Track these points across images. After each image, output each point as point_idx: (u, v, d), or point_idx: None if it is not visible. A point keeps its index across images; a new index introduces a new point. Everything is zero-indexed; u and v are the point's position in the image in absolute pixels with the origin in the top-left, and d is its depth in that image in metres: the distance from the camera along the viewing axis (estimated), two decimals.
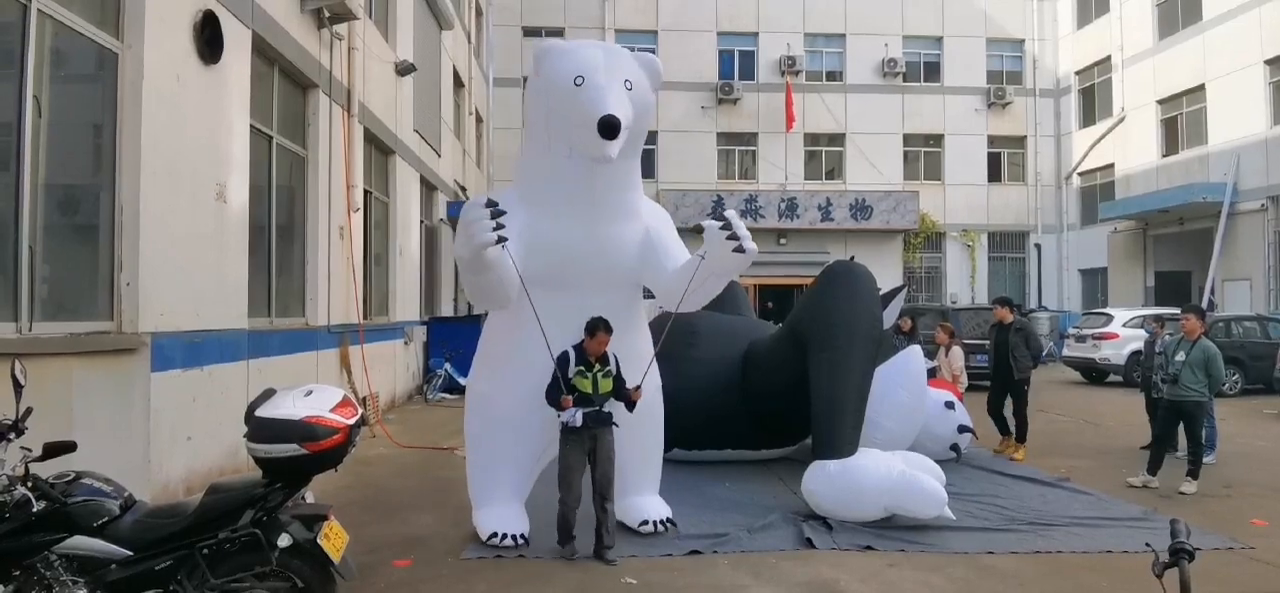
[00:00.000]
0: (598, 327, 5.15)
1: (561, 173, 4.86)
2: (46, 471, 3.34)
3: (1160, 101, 22.76)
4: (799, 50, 25.87)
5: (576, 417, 5.16)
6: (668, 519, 5.88)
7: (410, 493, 7.08)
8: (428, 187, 15.71)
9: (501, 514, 5.56)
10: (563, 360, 5.15)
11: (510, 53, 25.23)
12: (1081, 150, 25.96)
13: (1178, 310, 14.40)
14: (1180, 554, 2.16)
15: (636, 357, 5.50)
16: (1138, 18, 23.48)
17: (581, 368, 5.17)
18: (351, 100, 10.43)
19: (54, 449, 3.32)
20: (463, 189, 19.33)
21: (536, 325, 5.05)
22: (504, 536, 5.43)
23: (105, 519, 3.32)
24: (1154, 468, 7.55)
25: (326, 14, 9.39)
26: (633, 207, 5.52)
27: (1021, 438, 8.98)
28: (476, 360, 6.14)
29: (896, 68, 25.97)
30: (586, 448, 5.29)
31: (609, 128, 4.71)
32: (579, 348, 5.21)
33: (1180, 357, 7.56)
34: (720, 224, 4.94)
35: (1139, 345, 12.66)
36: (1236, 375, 14.89)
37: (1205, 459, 8.64)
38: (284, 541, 3.36)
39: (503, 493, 5.67)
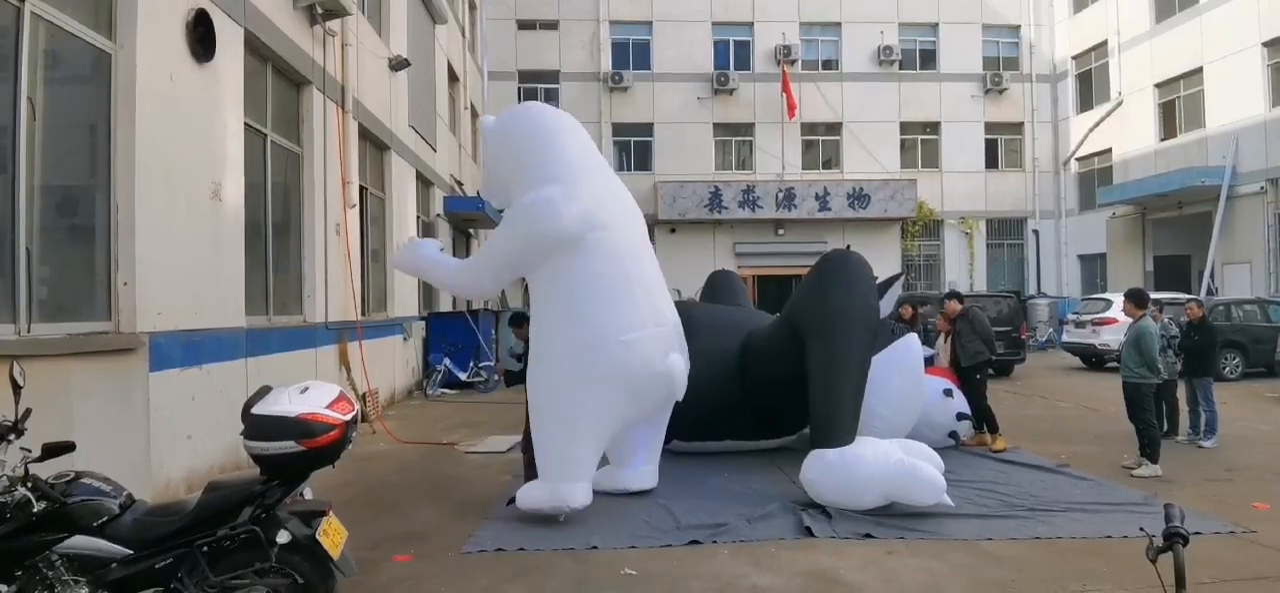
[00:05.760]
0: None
1: None
2: (46, 471, 3.34)
3: (1158, 85, 22.71)
4: (794, 39, 25.80)
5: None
6: None
7: (411, 489, 7.08)
8: (424, 182, 15.70)
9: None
10: None
11: (505, 46, 25.18)
12: (1079, 136, 25.93)
13: (1177, 295, 14.37)
14: (1174, 539, 2.16)
15: None
16: (1134, 1, 23.41)
17: None
18: (346, 96, 10.41)
19: (53, 450, 3.33)
20: (459, 184, 19.31)
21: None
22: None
23: (105, 519, 3.33)
24: (1154, 456, 7.53)
25: (319, 10, 9.36)
26: None
27: (991, 428, 8.68)
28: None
29: (892, 56, 25.92)
30: None
31: None
32: None
33: (1123, 339, 8.02)
34: None
35: None
36: (1237, 359, 14.92)
37: (1205, 443, 8.67)
38: (283, 537, 3.38)
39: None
